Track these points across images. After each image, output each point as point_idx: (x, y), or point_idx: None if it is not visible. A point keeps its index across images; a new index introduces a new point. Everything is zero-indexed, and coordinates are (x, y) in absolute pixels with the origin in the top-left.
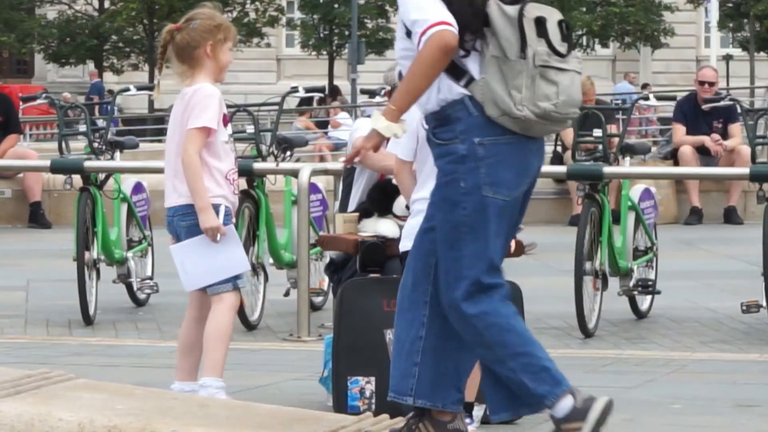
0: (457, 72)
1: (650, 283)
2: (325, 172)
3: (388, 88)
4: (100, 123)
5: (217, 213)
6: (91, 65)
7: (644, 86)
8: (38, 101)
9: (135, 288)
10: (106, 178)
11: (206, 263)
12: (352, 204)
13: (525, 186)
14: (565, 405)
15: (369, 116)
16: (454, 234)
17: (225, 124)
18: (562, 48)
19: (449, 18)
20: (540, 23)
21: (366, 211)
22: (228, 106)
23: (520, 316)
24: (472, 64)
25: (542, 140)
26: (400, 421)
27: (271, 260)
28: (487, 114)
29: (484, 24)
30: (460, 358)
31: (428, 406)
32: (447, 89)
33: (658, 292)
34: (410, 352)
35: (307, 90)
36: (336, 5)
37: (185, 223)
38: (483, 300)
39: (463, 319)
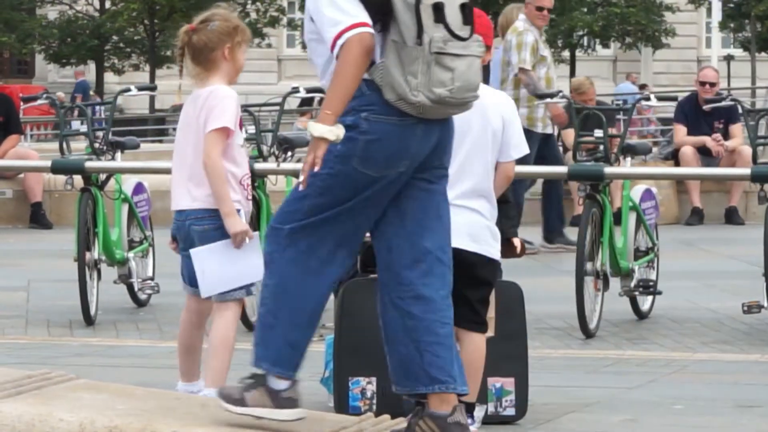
0: None
1: (651, 283)
2: None
3: None
4: (75, 125)
5: None
6: (91, 65)
7: (642, 87)
8: (39, 101)
9: (136, 288)
10: (107, 178)
11: (227, 269)
12: None
13: (403, 167)
14: (278, 383)
15: None
16: (312, 183)
17: (240, 128)
18: (463, 32)
19: (364, 17)
20: (438, 9)
21: None
22: None
23: (322, 297)
24: (375, 48)
25: (435, 123)
26: (401, 422)
27: None
28: (385, 98)
29: (388, 9)
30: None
31: (264, 368)
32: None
33: (659, 293)
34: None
35: (308, 90)
36: None
37: (200, 227)
38: (289, 262)
39: (267, 249)
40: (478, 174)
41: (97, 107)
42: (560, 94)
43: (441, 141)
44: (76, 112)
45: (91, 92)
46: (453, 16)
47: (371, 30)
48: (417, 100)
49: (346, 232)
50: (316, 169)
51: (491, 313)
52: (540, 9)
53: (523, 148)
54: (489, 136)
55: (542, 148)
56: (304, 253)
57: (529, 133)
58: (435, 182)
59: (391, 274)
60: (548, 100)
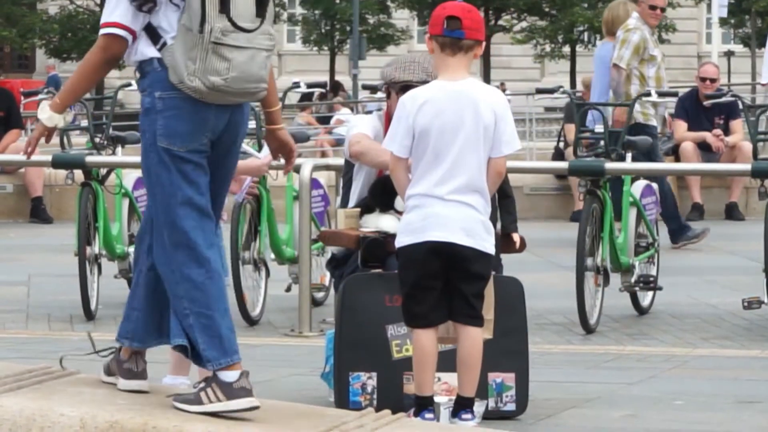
0: (154, 36)
1: (651, 279)
2: (327, 167)
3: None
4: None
5: None
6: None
7: None
8: (40, 96)
9: None
10: (108, 173)
11: None
12: (353, 199)
13: (205, 139)
14: (228, 375)
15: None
16: (149, 180)
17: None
18: (250, 24)
19: (124, 18)
20: (224, 0)
21: (367, 206)
22: None
23: (217, 278)
24: (171, 30)
25: (225, 106)
26: (401, 416)
27: (272, 256)
28: (170, 79)
29: None
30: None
31: (136, 347)
32: (142, 52)
33: (660, 288)
34: (132, 296)
35: (309, 86)
36: (337, 1)
37: None
38: (174, 251)
39: (157, 267)
40: (471, 169)
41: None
42: (561, 89)
43: (233, 121)
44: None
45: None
46: (242, 8)
47: (124, 33)
48: (193, 86)
49: (189, 206)
50: (29, 150)
51: (489, 315)
52: (653, 8)
53: (515, 145)
54: (481, 131)
55: None
56: (176, 242)
57: (646, 128)
58: (222, 166)
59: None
60: (624, 103)
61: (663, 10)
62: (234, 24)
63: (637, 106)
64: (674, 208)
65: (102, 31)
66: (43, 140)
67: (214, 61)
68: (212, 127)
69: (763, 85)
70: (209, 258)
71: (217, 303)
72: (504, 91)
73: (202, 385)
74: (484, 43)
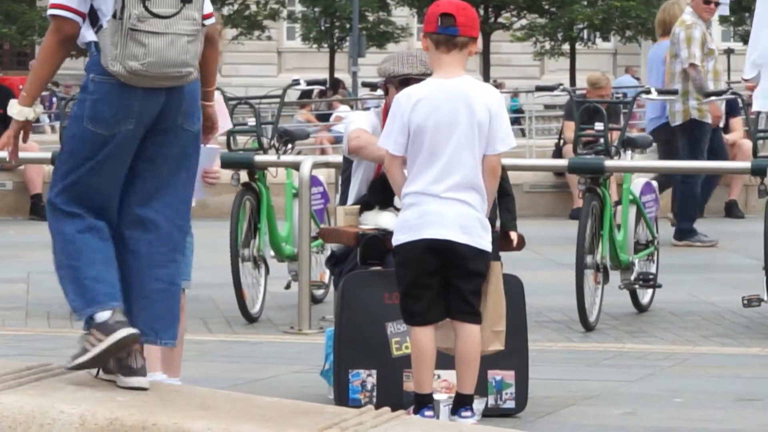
0: (94, 19)
1: (651, 276)
2: (327, 164)
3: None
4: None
5: None
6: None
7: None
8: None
9: None
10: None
11: None
12: (351, 196)
13: (130, 125)
14: (102, 315)
15: (367, 109)
16: (63, 146)
17: None
18: (167, 10)
19: (71, 1)
20: None
21: (367, 203)
22: (230, 99)
23: (95, 236)
24: (108, 13)
25: (157, 89)
26: (401, 413)
27: (272, 253)
28: (101, 63)
29: None
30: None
31: (87, 313)
32: (83, 35)
33: (659, 286)
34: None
35: (309, 83)
36: None
37: None
38: (58, 217)
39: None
40: (467, 166)
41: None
42: (560, 87)
43: (169, 103)
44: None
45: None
46: None
47: (72, 16)
48: (115, 70)
49: (100, 189)
50: (9, 149)
51: (501, 327)
52: (707, 2)
53: (510, 142)
54: (475, 128)
55: (711, 140)
56: (72, 214)
57: (700, 125)
58: (167, 146)
59: (118, 230)
60: (713, 98)
61: (716, 4)
62: (148, 10)
63: (693, 103)
64: (694, 210)
65: (49, 12)
66: (44, 138)
67: (132, 47)
68: (138, 111)
69: (745, 80)
70: (88, 220)
71: (86, 254)
72: (499, 87)
73: (83, 334)
74: (478, 40)
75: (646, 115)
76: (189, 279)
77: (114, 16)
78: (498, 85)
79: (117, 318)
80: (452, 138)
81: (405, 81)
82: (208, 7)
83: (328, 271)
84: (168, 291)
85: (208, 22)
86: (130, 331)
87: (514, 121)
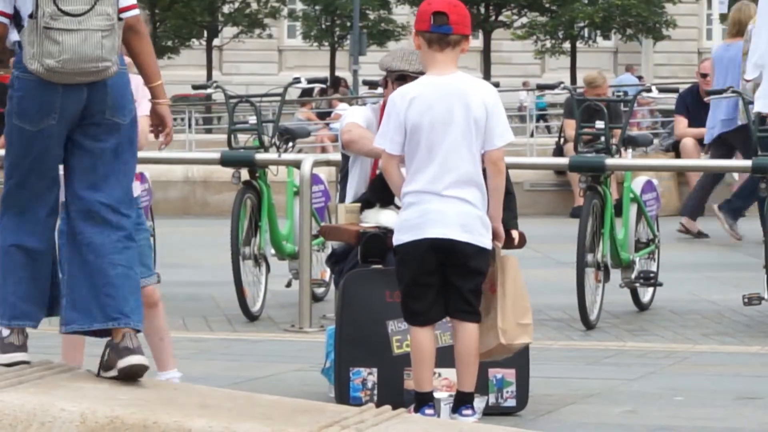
0: (18, 20)
1: (652, 275)
2: (327, 163)
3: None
4: None
5: None
6: None
7: (638, 78)
8: None
9: None
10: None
11: None
12: (350, 192)
13: (53, 120)
14: (4, 331)
15: (364, 104)
16: (5, 142)
17: None
18: (77, 8)
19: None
20: None
21: (368, 201)
22: (230, 97)
23: (28, 251)
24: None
25: (81, 83)
26: (401, 412)
27: (272, 251)
28: (23, 61)
29: None
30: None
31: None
32: (10, 36)
33: (660, 284)
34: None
35: (309, 81)
36: None
37: None
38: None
39: None
40: (465, 163)
41: None
42: (561, 85)
43: (93, 98)
44: None
45: None
46: None
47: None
48: (33, 68)
49: (39, 183)
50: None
51: (527, 320)
52: None
53: (508, 137)
54: (472, 124)
55: None
56: (17, 214)
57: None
58: (101, 139)
59: (70, 224)
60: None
61: None
62: (60, 9)
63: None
64: (743, 201)
65: None
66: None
67: (47, 45)
68: (61, 107)
69: (747, 81)
70: (47, 222)
71: (9, 271)
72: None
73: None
74: (479, 39)
75: (710, 115)
76: (153, 273)
77: (30, 16)
78: (524, 84)
79: (11, 340)
80: (448, 135)
81: (401, 78)
82: (126, 0)
83: (328, 270)
84: (128, 274)
85: (127, 14)
86: (15, 358)
87: (540, 118)
